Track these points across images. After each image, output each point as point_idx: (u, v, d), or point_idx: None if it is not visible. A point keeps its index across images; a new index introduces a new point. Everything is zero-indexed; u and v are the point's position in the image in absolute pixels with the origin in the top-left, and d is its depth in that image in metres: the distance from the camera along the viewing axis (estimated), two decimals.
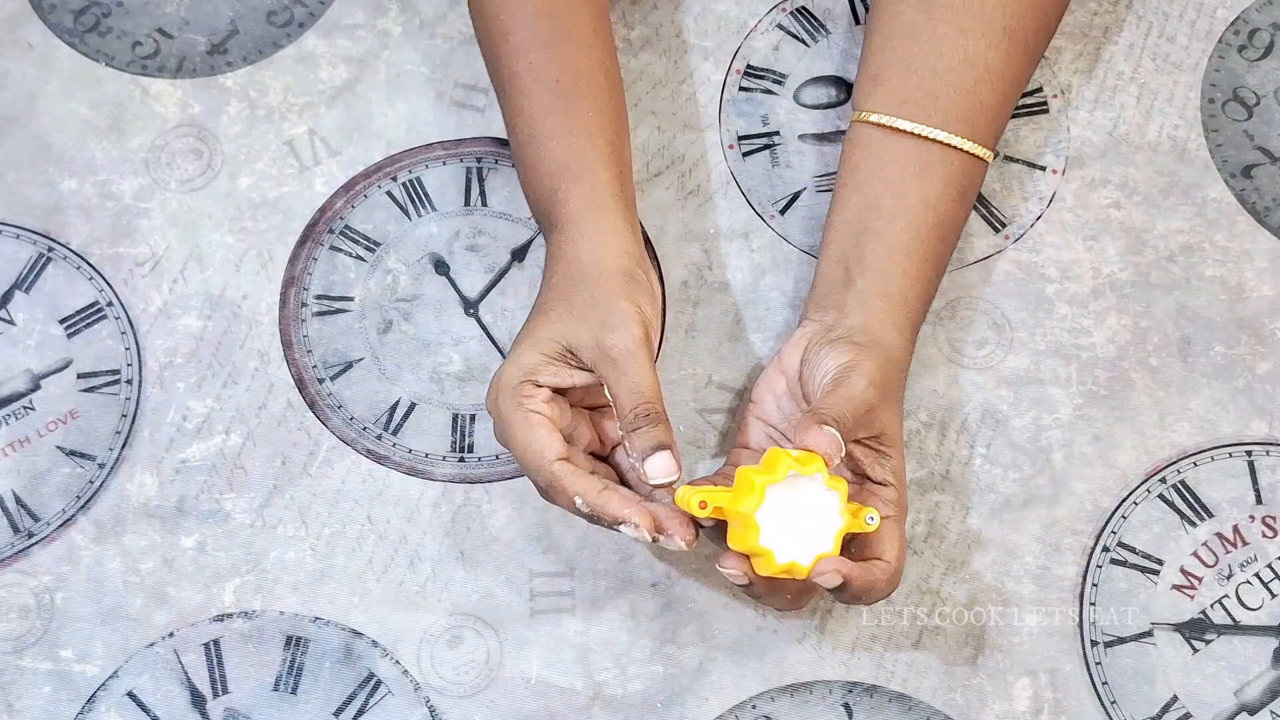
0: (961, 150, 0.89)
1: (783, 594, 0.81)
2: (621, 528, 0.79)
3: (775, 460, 0.78)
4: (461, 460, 0.91)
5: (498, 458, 0.91)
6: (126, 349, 0.94)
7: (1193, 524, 0.89)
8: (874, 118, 0.90)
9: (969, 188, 0.90)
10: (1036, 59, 0.94)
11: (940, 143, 0.88)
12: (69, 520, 0.90)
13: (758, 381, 0.88)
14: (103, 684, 0.86)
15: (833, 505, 0.79)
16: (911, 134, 0.89)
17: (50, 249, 0.96)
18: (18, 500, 0.90)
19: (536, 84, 0.89)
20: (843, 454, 0.78)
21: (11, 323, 0.94)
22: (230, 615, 0.88)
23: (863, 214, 0.88)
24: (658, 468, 0.80)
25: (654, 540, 0.79)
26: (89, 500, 0.90)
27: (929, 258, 0.88)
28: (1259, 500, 0.90)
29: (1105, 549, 0.89)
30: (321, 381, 0.93)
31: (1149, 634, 0.87)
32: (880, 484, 0.82)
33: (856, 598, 0.80)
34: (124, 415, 0.92)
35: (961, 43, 0.90)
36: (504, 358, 0.86)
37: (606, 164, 0.88)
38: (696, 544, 0.80)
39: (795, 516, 0.78)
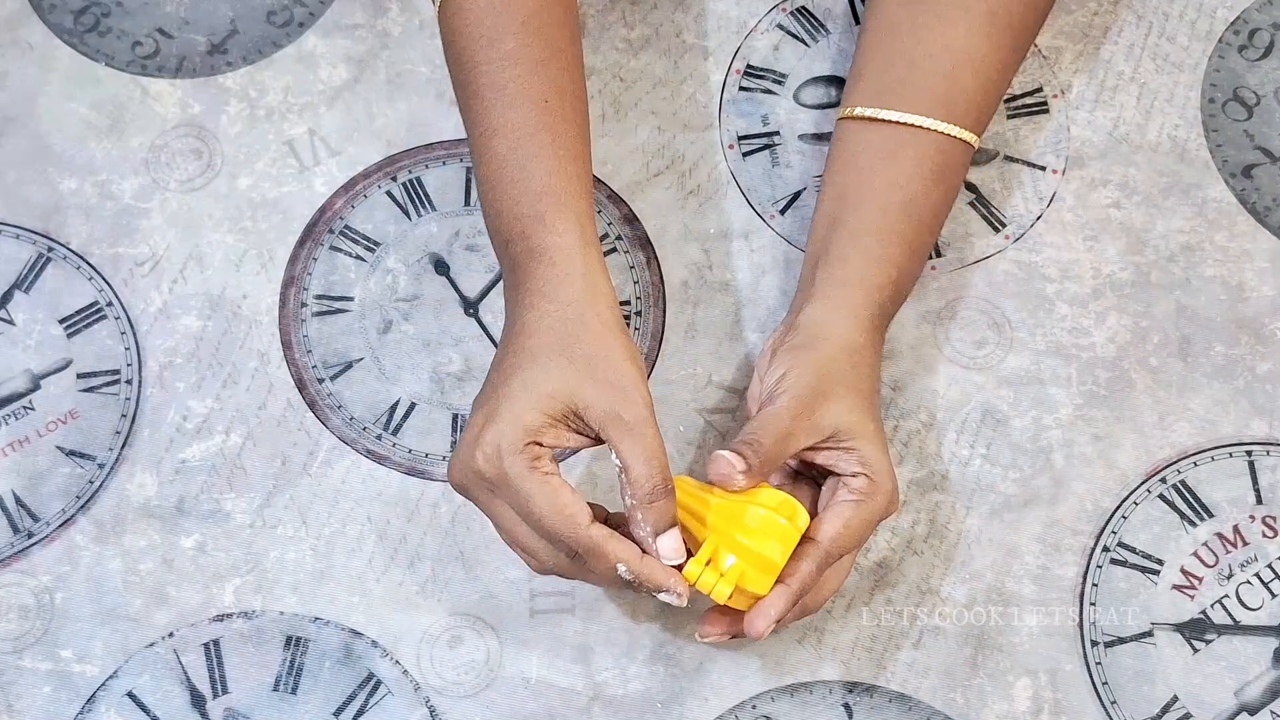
0: (934, 132, 0.88)
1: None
2: (661, 596, 0.78)
3: (771, 530, 0.79)
4: None
5: None
6: (126, 349, 0.94)
7: (1193, 524, 0.89)
8: (851, 111, 0.90)
9: (945, 169, 0.89)
10: (1026, 44, 0.93)
11: (911, 125, 0.88)
12: (69, 520, 0.90)
13: (746, 394, 0.88)
14: (103, 684, 0.86)
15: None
16: (882, 120, 0.88)
17: (50, 249, 0.96)
18: (18, 500, 0.90)
19: (526, 98, 0.85)
20: (743, 471, 0.78)
21: (11, 323, 0.94)
22: (230, 615, 0.88)
23: (832, 207, 0.88)
24: (669, 548, 0.78)
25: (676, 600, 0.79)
26: (89, 500, 0.90)
27: (895, 237, 0.87)
28: (1259, 500, 0.90)
29: (1105, 549, 0.89)
30: (321, 381, 0.93)
31: (1149, 634, 0.87)
32: (851, 476, 0.82)
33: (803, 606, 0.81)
34: (124, 415, 0.92)
35: (941, 30, 0.90)
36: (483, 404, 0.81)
37: (587, 195, 0.84)
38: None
39: None
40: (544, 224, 0.82)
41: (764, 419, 0.80)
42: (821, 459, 0.82)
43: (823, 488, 0.84)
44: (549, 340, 0.79)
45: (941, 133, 0.88)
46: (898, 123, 0.88)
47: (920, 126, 0.88)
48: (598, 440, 0.79)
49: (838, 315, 0.85)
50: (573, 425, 0.78)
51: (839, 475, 0.82)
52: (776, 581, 0.79)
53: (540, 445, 0.77)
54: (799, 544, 0.80)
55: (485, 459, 0.77)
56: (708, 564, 0.79)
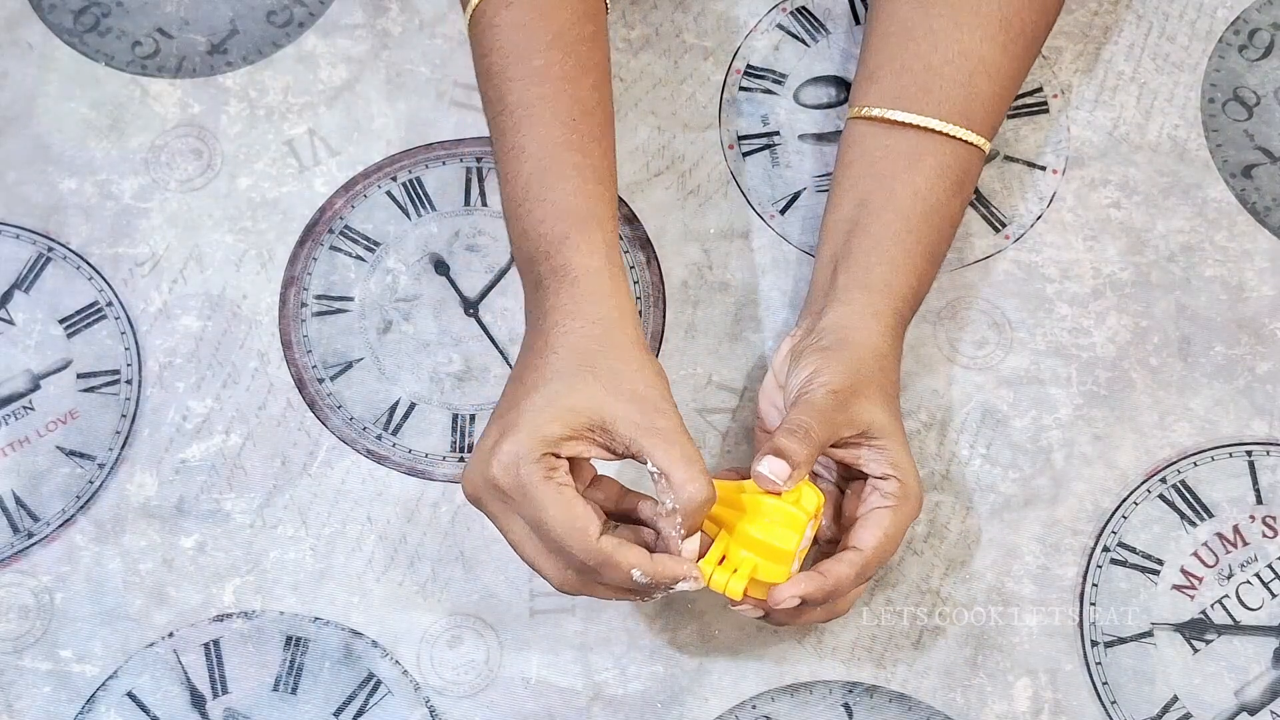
0: (954, 139, 0.88)
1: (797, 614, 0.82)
2: (678, 585, 0.78)
3: (781, 518, 0.79)
4: (461, 460, 0.91)
5: None
6: (126, 349, 0.94)
7: (1193, 524, 0.89)
8: (867, 111, 0.90)
9: (964, 177, 0.90)
10: (1036, 51, 0.93)
11: (933, 131, 0.88)
12: (69, 520, 0.90)
13: (759, 396, 0.88)
14: (102, 684, 0.86)
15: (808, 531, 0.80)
16: (904, 124, 0.88)
17: (50, 249, 0.96)
18: (18, 500, 0.90)
19: (554, 116, 0.85)
20: (787, 476, 0.78)
21: (11, 323, 0.94)
22: (230, 615, 0.88)
23: (853, 212, 0.88)
24: (692, 549, 0.79)
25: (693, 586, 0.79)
26: (89, 500, 0.90)
27: (918, 245, 0.87)
28: (1259, 500, 0.90)
29: (1105, 549, 0.89)
30: (321, 381, 0.93)
31: (1149, 634, 0.87)
32: (881, 478, 0.82)
33: (830, 604, 0.81)
34: (124, 415, 0.92)
35: (957, 36, 0.90)
36: (506, 379, 0.83)
37: (612, 215, 0.84)
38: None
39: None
40: (569, 243, 0.82)
41: (806, 409, 0.80)
42: (852, 456, 0.82)
43: (847, 492, 0.84)
44: (574, 357, 0.79)
45: (961, 139, 0.88)
46: (919, 127, 0.88)
47: (942, 132, 0.88)
48: (619, 455, 0.79)
49: (863, 320, 0.85)
50: (598, 440, 0.78)
51: (867, 478, 0.83)
52: (813, 570, 0.80)
53: (558, 457, 0.77)
54: (840, 548, 0.81)
55: (502, 469, 0.76)
56: (720, 562, 0.79)
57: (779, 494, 0.79)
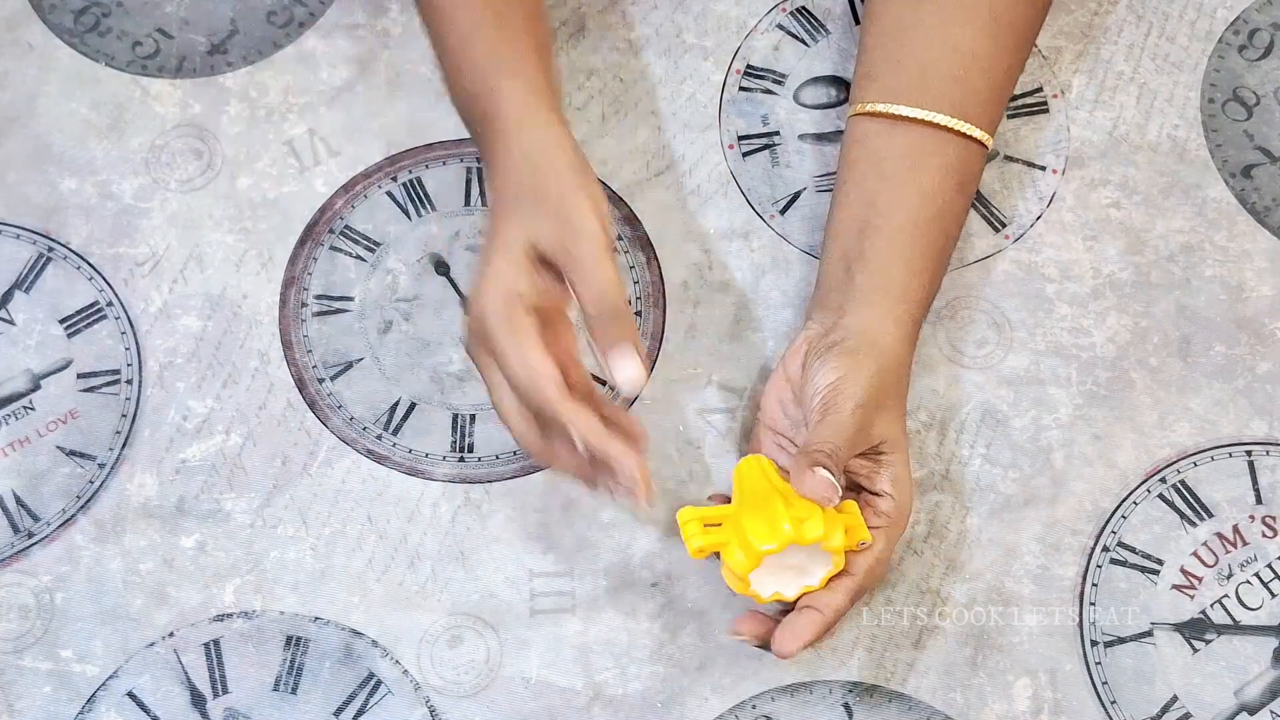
0: (957, 134, 0.88)
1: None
2: (619, 486, 0.78)
3: (774, 524, 0.79)
4: (461, 460, 0.91)
5: (498, 458, 0.91)
6: (126, 349, 0.94)
7: (1193, 524, 0.89)
8: (870, 106, 0.90)
9: (967, 176, 0.90)
10: (1028, 45, 0.94)
11: (935, 125, 0.88)
12: (69, 520, 0.90)
13: (765, 389, 0.88)
14: (103, 684, 0.86)
15: (824, 555, 0.80)
16: (907, 119, 0.89)
17: (50, 249, 0.96)
18: (18, 500, 0.90)
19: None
20: (838, 493, 0.79)
21: (11, 323, 0.94)
22: (230, 615, 0.88)
23: (862, 211, 0.88)
24: (628, 376, 0.79)
25: (632, 497, 0.79)
26: (89, 500, 0.90)
27: (929, 249, 0.88)
28: (1259, 500, 0.90)
29: (1105, 549, 0.89)
30: (321, 381, 0.93)
31: (1149, 634, 0.87)
32: (876, 494, 0.82)
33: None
34: (124, 415, 0.92)
35: (948, 31, 0.90)
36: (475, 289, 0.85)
37: (541, 68, 0.86)
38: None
39: (787, 563, 0.81)
40: (497, 95, 0.85)
41: (835, 429, 0.81)
42: (859, 466, 0.83)
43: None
44: (507, 195, 0.83)
45: (963, 134, 0.88)
46: (922, 122, 0.88)
47: (944, 126, 0.88)
48: (565, 281, 0.81)
49: (884, 324, 0.85)
50: (537, 261, 0.80)
51: (862, 492, 0.83)
52: (808, 607, 0.81)
53: (520, 295, 0.79)
54: (835, 575, 0.81)
55: (474, 318, 0.81)
56: (707, 528, 0.80)
57: (828, 502, 0.79)
